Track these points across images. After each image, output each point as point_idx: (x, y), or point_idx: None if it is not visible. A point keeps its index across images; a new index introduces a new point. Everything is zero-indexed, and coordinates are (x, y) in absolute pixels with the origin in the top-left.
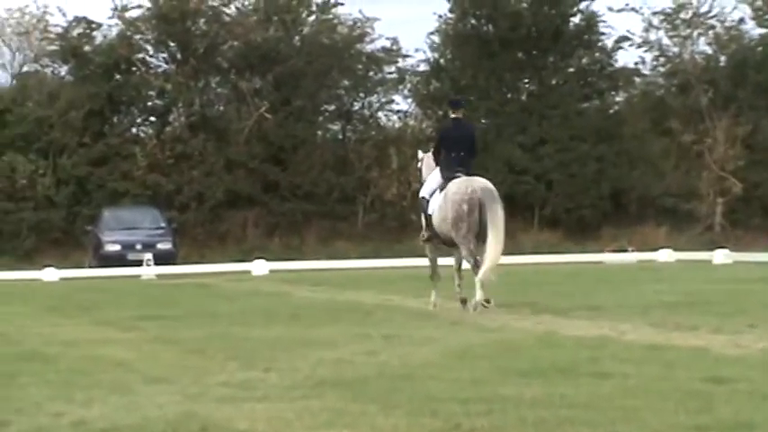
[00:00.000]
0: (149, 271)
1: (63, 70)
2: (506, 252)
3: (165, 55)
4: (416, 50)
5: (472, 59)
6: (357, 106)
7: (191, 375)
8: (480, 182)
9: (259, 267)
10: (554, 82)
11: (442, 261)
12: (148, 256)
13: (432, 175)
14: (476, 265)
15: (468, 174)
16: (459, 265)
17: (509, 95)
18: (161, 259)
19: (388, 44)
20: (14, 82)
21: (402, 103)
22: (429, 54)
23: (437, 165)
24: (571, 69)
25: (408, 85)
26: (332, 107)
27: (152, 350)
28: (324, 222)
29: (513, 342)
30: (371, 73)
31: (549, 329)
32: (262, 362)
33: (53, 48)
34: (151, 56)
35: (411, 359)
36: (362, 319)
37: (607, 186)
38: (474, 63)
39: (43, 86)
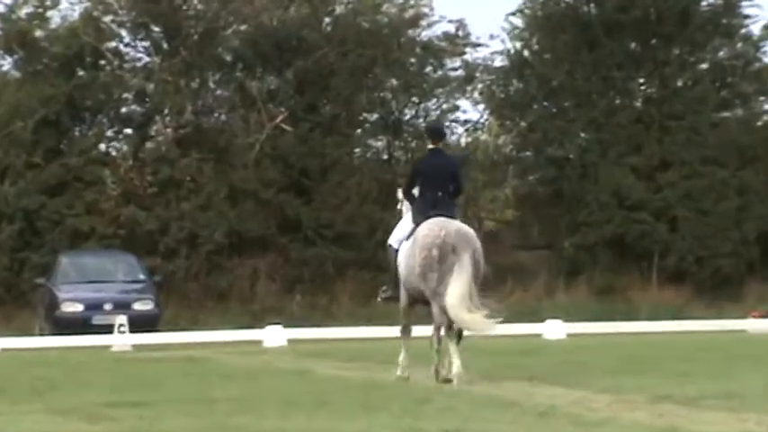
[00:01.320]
0: (123, 340)
1: (6, 64)
2: (610, 315)
3: (146, 44)
4: (491, 38)
5: (567, 51)
6: (408, 115)
7: None
8: (457, 225)
9: (273, 336)
10: (680, 83)
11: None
12: (122, 319)
13: (403, 220)
14: (449, 327)
15: (449, 217)
16: (438, 327)
17: (618, 101)
18: (139, 324)
19: (451, 29)
20: None
21: (471, 110)
22: (508, 43)
23: (410, 204)
24: (703, 65)
25: (479, 86)
26: (374, 116)
27: None
28: (362, 274)
29: None
30: (429, 69)
31: (672, 425)
32: None
33: None
34: (127, 45)
35: None
36: (414, 408)
37: (753, 227)
38: (570, 56)
39: None
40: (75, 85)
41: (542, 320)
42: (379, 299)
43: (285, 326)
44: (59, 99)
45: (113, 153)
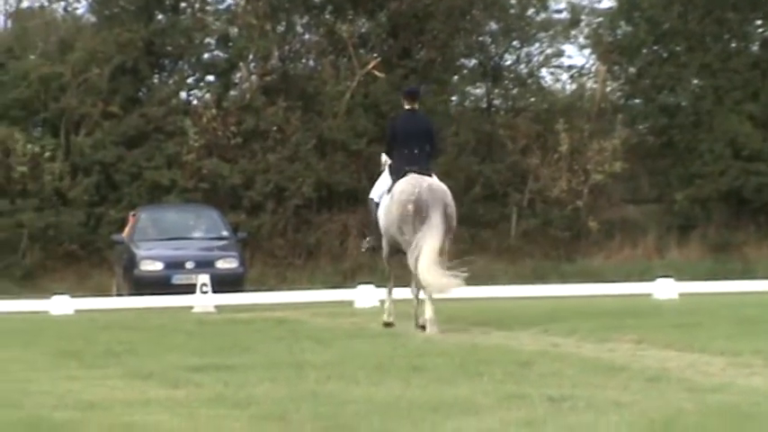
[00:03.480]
0: (206, 300)
1: (80, 7)
2: (725, 274)
3: None
4: None
5: None
6: (509, 60)
7: None
8: (429, 181)
9: (365, 296)
10: None
11: None
12: (204, 278)
13: (382, 176)
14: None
15: (426, 172)
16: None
17: (733, 45)
18: (223, 283)
19: None
20: (9, 24)
21: (576, 55)
22: None
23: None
24: None
25: (585, 31)
26: (472, 62)
27: (211, 416)
28: (461, 230)
29: (742, 408)
30: (531, 11)
31: None
32: None
33: None
34: None
35: None
36: (517, 372)
37: None
38: None
39: (51, 31)
40: (153, 30)
41: (653, 279)
42: (362, 249)
43: (377, 286)
44: (137, 45)
45: (195, 102)
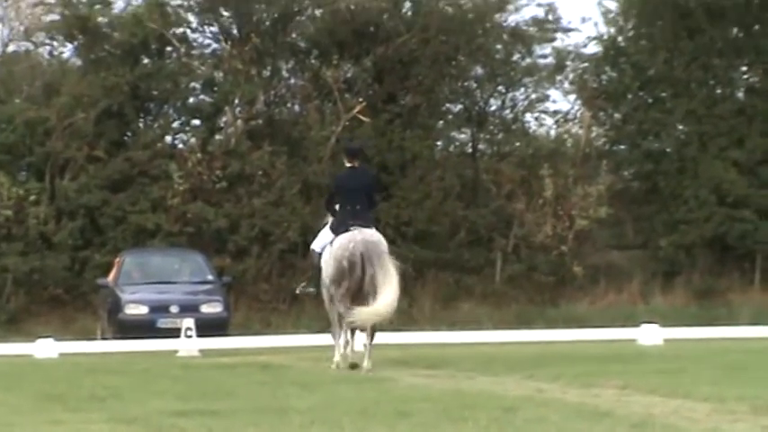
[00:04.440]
0: (190, 344)
1: (66, 51)
2: (710, 320)
3: (214, 29)
4: (583, 22)
5: (665, 38)
6: (494, 105)
7: None
8: (365, 234)
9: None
10: None
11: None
12: (189, 322)
13: (325, 228)
14: (344, 335)
15: (364, 226)
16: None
17: (719, 91)
18: (207, 327)
19: (540, 13)
20: None
21: (561, 101)
22: (602, 28)
23: (331, 216)
24: None
25: (570, 76)
26: (458, 107)
27: None
28: (445, 275)
29: None
30: (516, 56)
31: None
32: None
33: (52, 18)
34: (195, 30)
35: None
36: (502, 418)
37: None
38: (668, 44)
39: (37, 75)
40: (139, 74)
41: (637, 325)
42: (297, 291)
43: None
44: (123, 89)
45: (180, 146)
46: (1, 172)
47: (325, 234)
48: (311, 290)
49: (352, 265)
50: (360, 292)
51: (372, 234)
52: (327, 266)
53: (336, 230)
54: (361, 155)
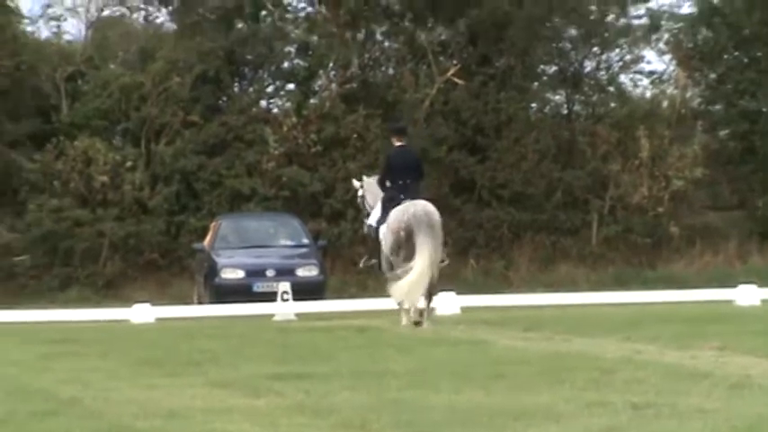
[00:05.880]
0: (286, 308)
1: (160, 16)
2: None
3: None
4: None
5: None
6: (589, 67)
7: None
8: (419, 205)
9: (446, 303)
10: None
11: None
12: (285, 286)
13: (377, 206)
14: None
15: (415, 199)
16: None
17: None
18: (303, 291)
19: None
20: (90, 34)
21: (656, 61)
22: None
23: (383, 191)
24: None
25: (665, 36)
26: (552, 68)
27: (292, 425)
28: (541, 237)
29: None
30: (611, 18)
31: None
32: None
33: None
34: None
35: None
36: (599, 380)
37: None
38: (764, 2)
39: (131, 40)
40: (234, 39)
41: (735, 285)
42: (361, 265)
43: (458, 293)
44: (218, 53)
45: (275, 110)
46: (97, 138)
47: (377, 211)
48: (373, 261)
49: (408, 234)
50: (412, 260)
51: (426, 205)
52: (386, 239)
53: (389, 204)
54: (407, 133)
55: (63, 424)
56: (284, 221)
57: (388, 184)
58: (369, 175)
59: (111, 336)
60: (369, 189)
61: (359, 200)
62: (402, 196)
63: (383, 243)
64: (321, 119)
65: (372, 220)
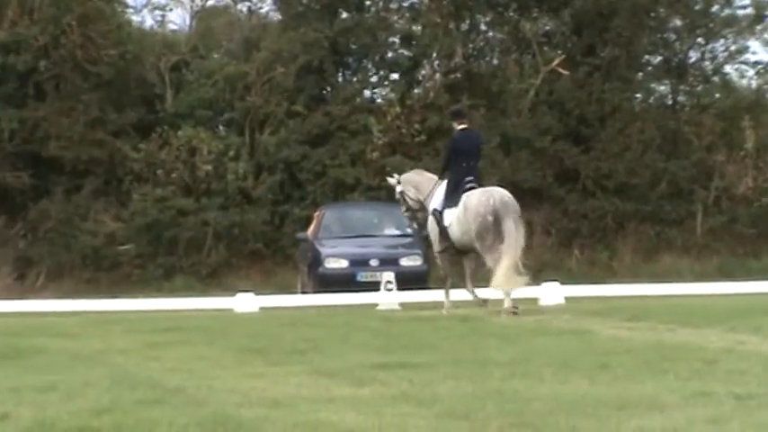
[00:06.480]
0: (390, 298)
1: (265, 6)
2: None
3: None
4: None
5: None
6: (694, 57)
7: None
8: (501, 192)
9: (550, 293)
10: None
11: None
12: (389, 276)
13: (440, 188)
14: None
15: (478, 182)
16: (473, 272)
17: None
18: (407, 281)
19: None
20: (194, 24)
21: (761, 51)
22: None
23: (443, 175)
24: None
25: None
26: (657, 58)
27: (396, 414)
28: (645, 228)
29: None
30: (715, 8)
31: None
32: (555, 431)
33: None
34: None
35: None
36: (703, 370)
37: None
38: None
39: (236, 30)
40: (338, 29)
41: None
42: (435, 253)
43: (562, 283)
44: (322, 44)
45: (379, 100)
46: (201, 128)
47: (441, 193)
48: (447, 244)
49: (496, 219)
50: (502, 244)
51: (506, 193)
52: (461, 224)
53: (456, 188)
54: (466, 115)
55: (167, 412)
56: (388, 211)
57: (452, 167)
58: (391, 176)
59: (215, 325)
60: (408, 183)
61: (398, 196)
62: (470, 179)
63: (453, 227)
64: (425, 108)
65: (436, 203)
